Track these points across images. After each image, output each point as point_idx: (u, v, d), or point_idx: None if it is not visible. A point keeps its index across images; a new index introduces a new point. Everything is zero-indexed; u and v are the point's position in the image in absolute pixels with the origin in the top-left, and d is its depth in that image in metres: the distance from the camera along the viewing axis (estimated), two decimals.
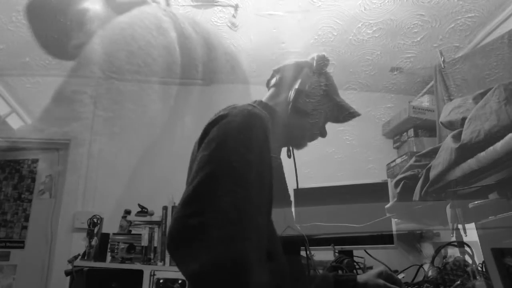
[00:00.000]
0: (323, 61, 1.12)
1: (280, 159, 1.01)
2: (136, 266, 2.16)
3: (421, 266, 1.51)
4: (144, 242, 2.23)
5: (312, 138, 1.12)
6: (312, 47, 2.54)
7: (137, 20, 2.34)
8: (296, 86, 1.06)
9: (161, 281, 2.10)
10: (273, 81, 1.13)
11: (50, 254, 2.71)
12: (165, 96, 3.04)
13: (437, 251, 1.43)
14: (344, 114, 1.15)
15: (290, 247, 0.95)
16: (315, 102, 1.08)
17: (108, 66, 2.91)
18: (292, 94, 1.05)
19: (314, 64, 1.11)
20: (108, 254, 2.23)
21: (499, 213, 1.17)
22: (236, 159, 0.78)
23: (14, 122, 2.89)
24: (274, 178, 0.88)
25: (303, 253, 1.02)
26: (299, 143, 1.11)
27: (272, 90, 1.12)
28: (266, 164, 0.85)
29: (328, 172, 2.81)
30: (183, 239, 0.70)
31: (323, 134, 1.13)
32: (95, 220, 2.29)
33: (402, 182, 1.51)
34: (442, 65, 2.01)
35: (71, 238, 2.63)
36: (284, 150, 1.10)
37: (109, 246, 2.24)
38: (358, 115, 1.14)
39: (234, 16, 2.09)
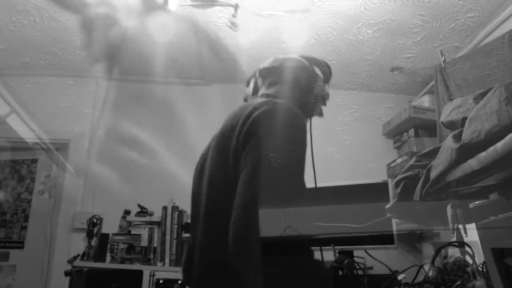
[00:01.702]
0: (329, 72, 1.19)
1: None
2: (136, 266, 2.15)
3: (421, 266, 1.50)
4: (144, 242, 2.22)
5: None
6: (312, 47, 2.54)
7: (138, 18, 2.33)
8: (316, 91, 1.12)
9: (160, 281, 2.09)
10: (275, 78, 1.14)
11: (50, 254, 2.70)
12: (165, 96, 3.04)
13: (438, 251, 1.43)
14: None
15: (290, 247, 0.94)
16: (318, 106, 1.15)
17: (108, 66, 2.90)
18: (312, 99, 1.12)
19: (322, 75, 1.17)
20: (108, 254, 2.23)
21: (499, 213, 1.17)
22: (297, 160, 0.85)
23: (14, 122, 2.89)
24: None
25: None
26: None
27: (276, 86, 1.13)
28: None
29: (328, 172, 2.79)
30: (252, 239, 0.75)
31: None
32: (94, 220, 2.28)
33: (403, 182, 1.50)
34: (443, 65, 2.01)
35: (71, 238, 2.63)
36: None
37: (108, 246, 2.23)
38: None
39: (234, 16, 2.09)
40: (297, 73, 1.13)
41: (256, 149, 0.81)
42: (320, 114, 1.18)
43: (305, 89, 1.12)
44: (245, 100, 1.21)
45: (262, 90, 1.15)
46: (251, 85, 1.20)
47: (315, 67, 1.17)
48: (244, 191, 0.77)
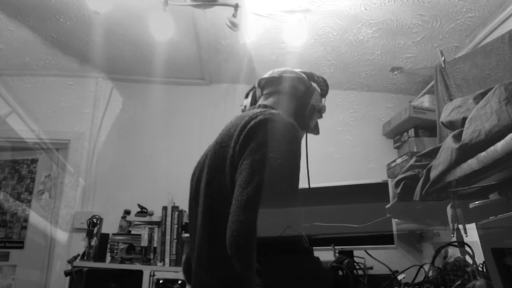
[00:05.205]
0: (326, 86, 1.22)
1: None
2: (136, 266, 2.16)
3: (421, 266, 1.50)
4: (144, 242, 2.23)
5: None
6: (312, 47, 2.54)
7: (138, 18, 2.34)
8: (313, 103, 1.15)
9: (160, 281, 2.10)
10: (273, 88, 1.17)
11: (50, 254, 2.71)
12: (165, 96, 3.04)
13: (438, 251, 1.42)
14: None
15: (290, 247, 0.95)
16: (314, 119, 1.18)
17: (108, 66, 2.90)
18: (309, 111, 1.14)
19: (319, 89, 1.20)
20: (108, 254, 2.23)
21: (499, 213, 1.17)
22: (291, 163, 0.86)
23: (14, 122, 2.89)
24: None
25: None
26: None
27: (274, 97, 1.16)
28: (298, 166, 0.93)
29: (328, 172, 2.80)
30: (250, 240, 0.76)
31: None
32: (94, 220, 2.29)
33: (403, 182, 1.50)
34: (443, 64, 2.01)
35: (71, 239, 2.63)
36: None
37: (108, 246, 2.23)
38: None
39: (234, 16, 2.09)
40: (294, 85, 1.17)
41: (252, 156, 0.84)
42: (316, 131, 1.22)
43: (302, 101, 1.15)
44: (243, 111, 1.23)
45: (260, 101, 1.17)
46: (250, 96, 1.24)
47: (312, 82, 1.20)
48: (239, 194, 0.80)
